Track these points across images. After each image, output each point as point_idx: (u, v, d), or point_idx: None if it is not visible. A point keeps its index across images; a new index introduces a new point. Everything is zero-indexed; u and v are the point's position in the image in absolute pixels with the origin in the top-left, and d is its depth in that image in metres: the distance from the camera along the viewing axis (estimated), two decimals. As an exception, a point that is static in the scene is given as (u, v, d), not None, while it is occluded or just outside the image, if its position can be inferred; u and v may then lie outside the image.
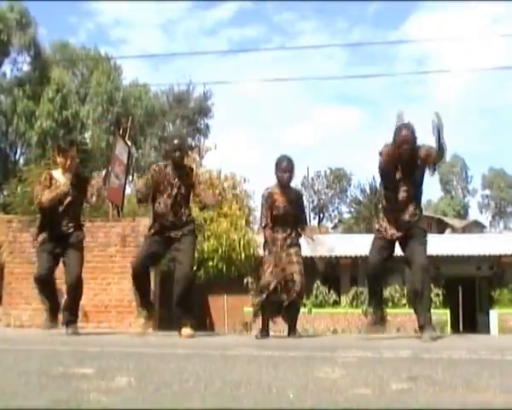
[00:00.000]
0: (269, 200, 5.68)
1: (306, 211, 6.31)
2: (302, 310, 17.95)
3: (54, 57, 34.20)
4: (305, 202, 5.84)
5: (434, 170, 5.18)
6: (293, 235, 5.71)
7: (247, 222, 18.67)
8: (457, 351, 3.80)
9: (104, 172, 6.40)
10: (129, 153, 12.76)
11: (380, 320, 5.51)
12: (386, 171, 5.16)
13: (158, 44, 71.63)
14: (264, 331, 5.69)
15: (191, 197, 5.90)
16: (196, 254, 16.66)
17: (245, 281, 16.70)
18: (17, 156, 34.37)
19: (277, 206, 5.65)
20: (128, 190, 13.84)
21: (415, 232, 5.20)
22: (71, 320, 5.87)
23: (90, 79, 34.13)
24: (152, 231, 5.70)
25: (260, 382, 2.45)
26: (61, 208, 5.79)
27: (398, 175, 5.11)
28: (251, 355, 3.66)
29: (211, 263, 17.37)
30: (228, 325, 16.90)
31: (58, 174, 5.90)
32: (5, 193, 23.49)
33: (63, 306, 5.97)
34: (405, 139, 4.94)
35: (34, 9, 63.26)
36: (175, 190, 5.63)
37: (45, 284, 5.81)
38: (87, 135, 32.63)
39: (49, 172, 6.06)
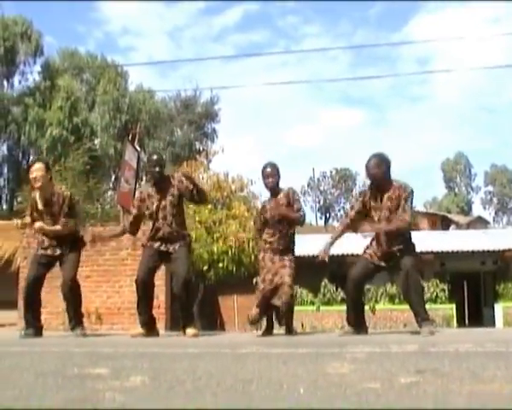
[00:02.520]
0: (260, 211, 6.05)
1: (306, 208, 6.44)
2: (310, 308, 17.83)
3: (62, 65, 34.51)
4: (301, 199, 5.97)
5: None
6: (285, 239, 5.80)
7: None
8: (464, 344, 3.83)
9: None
10: (138, 158, 12.82)
11: (357, 328, 5.59)
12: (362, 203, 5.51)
13: (165, 51, 71.96)
14: (268, 331, 5.84)
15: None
16: (206, 256, 16.87)
17: (254, 281, 16.77)
18: (29, 164, 34.63)
19: (266, 211, 5.87)
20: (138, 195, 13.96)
21: (402, 256, 5.32)
22: (77, 323, 5.97)
23: (97, 87, 34.34)
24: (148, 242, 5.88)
25: (271, 378, 2.49)
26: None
27: (373, 204, 5.40)
28: (261, 353, 3.71)
29: (220, 264, 17.44)
30: (238, 324, 16.97)
31: (37, 197, 5.99)
32: (19, 200, 23.69)
33: (66, 310, 6.05)
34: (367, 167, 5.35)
35: (44, 19, 63.94)
36: (160, 204, 5.78)
37: (33, 290, 5.93)
38: (96, 142, 32.82)
39: (34, 196, 6.12)
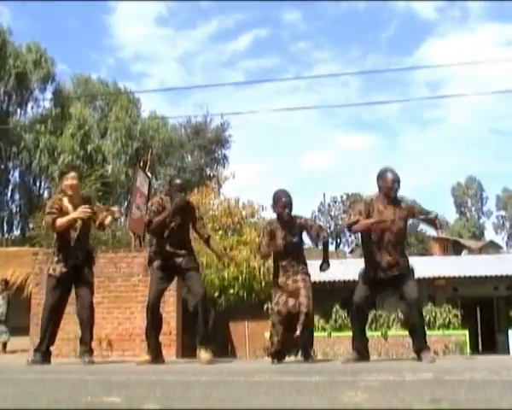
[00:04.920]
0: (268, 231, 5.88)
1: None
2: (322, 334, 17.58)
3: (74, 92, 34.98)
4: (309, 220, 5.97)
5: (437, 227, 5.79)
6: (298, 260, 5.81)
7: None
8: (479, 372, 3.79)
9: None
10: (149, 184, 12.93)
11: (362, 355, 5.64)
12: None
13: (177, 77, 72.88)
14: (280, 356, 5.75)
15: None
16: (217, 282, 16.83)
17: (265, 307, 16.73)
18: (41, 190, 34.98)
19: (277, 239, 5.79)
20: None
21: (403, 272, 5.46)
22: (86, 350, 5.93)
23: (110, 114, 34.73)
24: (157, 263, 5.86)
25: (285, 407, 2.48)
26: (74, 236, 5.91)
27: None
28: (275, 381, 3.69)
29: (231, 290, 17.40)
30: (249, 351, 16.87)
31: (66, 202, 6.00)
32: (31, 226, 23.86)
33: (81, 335, 6.03)
34: (394, 179, 5.44)
35: (57, 47, 65.05)
36: (174, 221, 5.80)
37: (55, 314, 5.93)
38: (108, 168, 33.08)
39: (60, 198, 6.11)
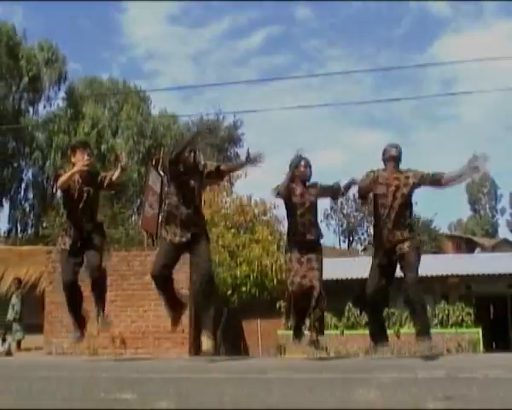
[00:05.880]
0: (288, 189, 5.72)
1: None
2: (335, 332, 17.58)
3: (85, 92, 35.11)
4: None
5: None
6: (313, 229, 5.72)
7: (279, 247, 18.68)
8: (493, 370, 3.75)
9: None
10: (161, 182, 12.95)
11: (382, 342, 5.71)
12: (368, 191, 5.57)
13: (189, 75, 72.87)
14: (299, 333, 5.74)
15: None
16: (229, 280, 16.86)
17: (277, 305, 16.72)
18: (54, 190, 35.13)
19: (295, 195, 5.70)
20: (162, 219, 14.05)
21: (407, 250, 5.35)
22: (101, 311, 5.83)
23: (121, 113, 34.82)
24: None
25: (298, 404, 2.48)
26: (79, 206, 5.79)
27: (384, 194, 5.44)
28: (288, 378, 3.68)
29: (244, 288, 17.41)
30: (262, 349, 16.90)
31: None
32: (44, 225, 23.94)
33: (94, 301, 5.93)
34: (388, 147, 5.54)
35: (69, 46, 65.21)
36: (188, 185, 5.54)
37: (72, 290, 5.80)
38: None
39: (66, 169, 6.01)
